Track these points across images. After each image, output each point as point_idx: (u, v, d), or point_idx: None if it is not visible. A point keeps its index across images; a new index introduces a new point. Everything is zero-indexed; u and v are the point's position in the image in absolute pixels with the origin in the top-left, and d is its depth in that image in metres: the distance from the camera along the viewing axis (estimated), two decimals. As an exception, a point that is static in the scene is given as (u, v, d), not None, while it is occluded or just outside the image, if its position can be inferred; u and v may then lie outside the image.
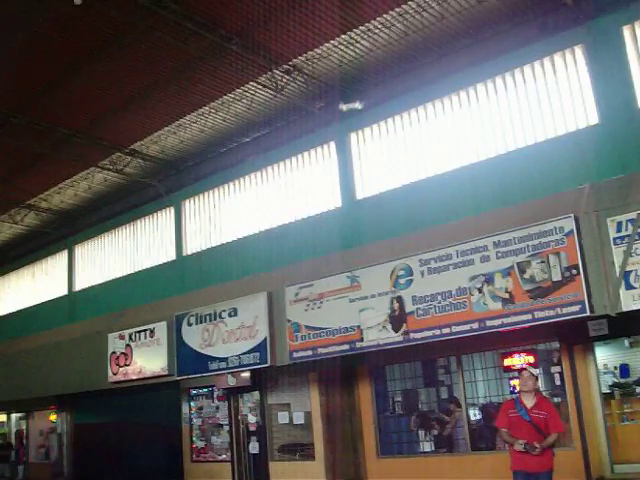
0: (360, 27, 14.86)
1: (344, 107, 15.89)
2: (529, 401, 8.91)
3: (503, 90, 15.18)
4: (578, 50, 14.29)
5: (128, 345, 19.41)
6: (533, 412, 8.72)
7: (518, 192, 13.66)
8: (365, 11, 14.33)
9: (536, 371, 9.88)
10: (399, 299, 13.77)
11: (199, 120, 18.60)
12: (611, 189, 12.20)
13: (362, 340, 14.25)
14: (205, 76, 16.60)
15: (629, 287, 11.49)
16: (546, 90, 14.57)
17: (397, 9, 14.37)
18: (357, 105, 16.13)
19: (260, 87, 16.90)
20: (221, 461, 18.82)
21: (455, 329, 13.02)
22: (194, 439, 19.70)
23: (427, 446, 15.34)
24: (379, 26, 14.83)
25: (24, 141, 19.00)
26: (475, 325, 12.80)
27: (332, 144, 17.88)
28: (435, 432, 15.32)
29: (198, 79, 16.70)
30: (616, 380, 14.16)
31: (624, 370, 14.14)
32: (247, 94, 17.34)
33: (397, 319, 13.79)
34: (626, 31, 13.71)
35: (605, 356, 14.24)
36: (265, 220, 19.11)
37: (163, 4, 13.79)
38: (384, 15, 14.52)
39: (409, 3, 14.20)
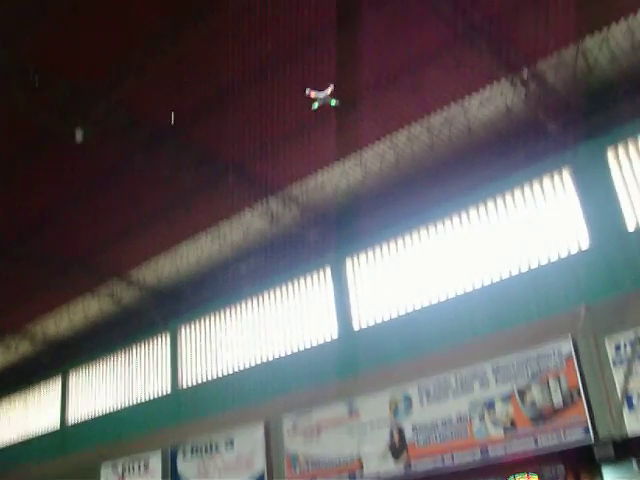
0: (354, 158, 15.25)
1: (313, 95, 12.00)
2: None
3: (495, 215, 15.39)
4: (565, 172, 14.58)
5: (122, 478, 18.90)
6: None
7: (514, 316, 13.61)
8: (359, 140, 14.75)
9: None
10: (399, 428, 13.58)
11: (195, 248, 18.76)
12: (607, 310, 12.27)
13: (362, 470, 13.93)
14: (201, 205, 16.84)
15: (632, 409, 11.37)
16: (537, 213, 14.77)
17: (389, 138, 14.81)
18: (329, 95, 12.18)
19: (256, 216, 17.12)
20: None
21: (457, 458, 12.78)
22: None
23: None
24: (372, 156, 15.24)
25: (20, 270, 19.06)
26: (477, 453, 12.58)
27: (328, 270, 17.90)
28: None
29: (194, 208, 16.93)
30: (627, 505, 13.71)
31: (633, 494, 13.71)
32: (243, 223, 17.57)
33: (397, 448, 13.55)
34: (610, 153, 14.06)
35: (613, 479, 13.85)
36: (262, 350, 18.83)
37: (161, 138, 14.20)
38: (377, 143, 14.93)
39: (401, 133, 14.67)
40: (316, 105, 11.87)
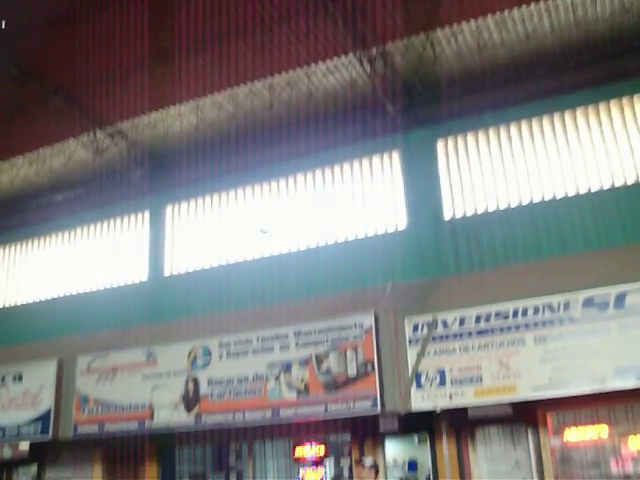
0: (190, 102, 14.85)
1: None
2: None
3: (321, 184, 15.57)
4: (395, 155, 14.99)
5: None
6: None
7: (323, 285, 13.85)
8: (198, 87, 14.38)
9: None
10: (194, 380, 13.56)
11: (10, 170, 17.56)
12: (411, 291, 12.76)
13: (152, 419, 13.81)
14: (23, 125, 15.79)
15: (420, 387, 11.92)
16: (361, 190, 15.10)
17: (229, 90, 14.53)
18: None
19: (80, 146, 16.29)
20: None
21: (248, 416, 12.95)
22: (-45, 514, 17.91)
23: (212, 532, 14.90)
24: (209, 104, 14.92)
25: None
26: (269, 413, 12.81)
27: (147, 214, 17.37)
28: (221, 518, 14.92)
29: (14, 127, 15.84)
30: (404, 475, 14.48)
31: (412, 465, 14.50)
32: (65, 151, 16.64)
33: (190, 400, 13.53)
34: (440, 145, 14.59)
35: (395, 451, 14.56)
36: (67, 284, 17.99)
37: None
38: (216, 94, 14.61)
39: (242, 88, 14.45)
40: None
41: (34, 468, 16.85)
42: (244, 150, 15.98)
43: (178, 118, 15.35)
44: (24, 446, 15.88)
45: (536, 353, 11.48)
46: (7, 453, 16.05)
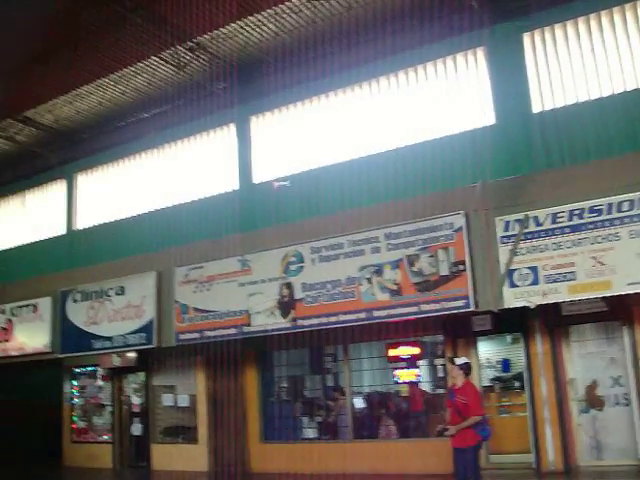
0: (268, 10, 14.66)
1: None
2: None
3: (405, 85, 15.31)
4: (480, 52, 14.54)
5: (9, 320, 18.73)
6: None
7: (412, 186, 13.74)
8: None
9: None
10: (289, 285, 13.87)
11: (97, 91, 17.92)
12: (502, 189, 12.56)
13: (250, 325, 14.28)
14: (106, 47, 16.00)
15: (512, 285, 11.91)
16: (447, 88, 14.77)
17: (306, -6, 14.30)
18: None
19: (162, 63, 16.43)
20: (102, 442, 18.45)
21: (343, 318, 13.21)
22: (75, 419, 19.24)
23: (311, 432, 15.52)
24: (287, 10, 14.68)
25: None
26: (362, 315, 13.00)
27: (232, 126, 17.54)
28: (319, 419, 15.47)
29: (98, 49, 16.07)
30: (497, 374, 14.62)
31: (505, 365, 14.62)
32: (148, 69, 16.80)
33: (286, 305, 13.86)
34: (526, 38, 14.05)
35: (488, 351, 14.69)
36: (160, 199, 18.53)
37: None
38: (292, 0, 14.40)
39: (318, -10, 14.17)
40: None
41: (142, 376, 17.83)
42: (325, 55, 15.76)
43: (257, 27, 15.20)
44: (131, 355, 16.78)
45: (632, 248, 11.14)
46: (116, 361, 17.00)
